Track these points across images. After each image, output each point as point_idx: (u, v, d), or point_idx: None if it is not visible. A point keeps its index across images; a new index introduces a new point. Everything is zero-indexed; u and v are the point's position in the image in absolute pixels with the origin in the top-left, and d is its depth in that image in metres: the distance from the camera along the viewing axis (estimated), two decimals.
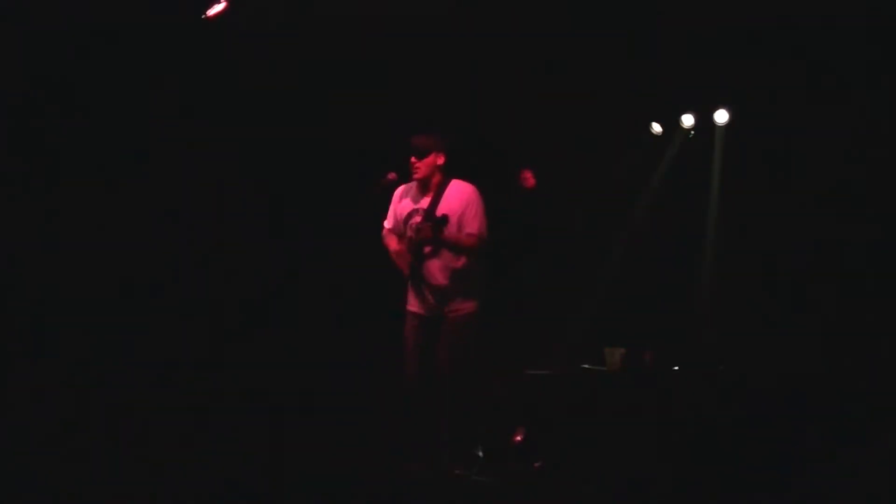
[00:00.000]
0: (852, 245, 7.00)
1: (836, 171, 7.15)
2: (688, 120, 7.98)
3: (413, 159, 6.29)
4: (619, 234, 8.10)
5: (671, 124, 7.90)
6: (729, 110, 7.60)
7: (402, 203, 6.45)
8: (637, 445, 6.46)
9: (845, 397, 6.48)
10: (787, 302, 7.16)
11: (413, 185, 6.41)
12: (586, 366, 7.33)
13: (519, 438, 6.97)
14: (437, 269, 6.28)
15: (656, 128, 8.13)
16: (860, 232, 6.97)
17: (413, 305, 6.40)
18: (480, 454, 6.31)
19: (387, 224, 6.50)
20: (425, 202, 6.34)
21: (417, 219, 6.32)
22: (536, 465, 6.71)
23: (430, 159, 6.32)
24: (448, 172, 6.37)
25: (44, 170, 7.31)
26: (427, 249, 6.28)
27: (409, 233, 6.33)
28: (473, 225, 6.23)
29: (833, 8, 6.75)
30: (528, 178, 7.02)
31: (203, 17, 7.10)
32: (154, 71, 7.46)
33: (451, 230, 6.21)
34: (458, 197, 6.29)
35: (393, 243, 6.41)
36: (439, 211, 6.23)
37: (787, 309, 7.13)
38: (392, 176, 6.39)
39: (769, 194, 7.29)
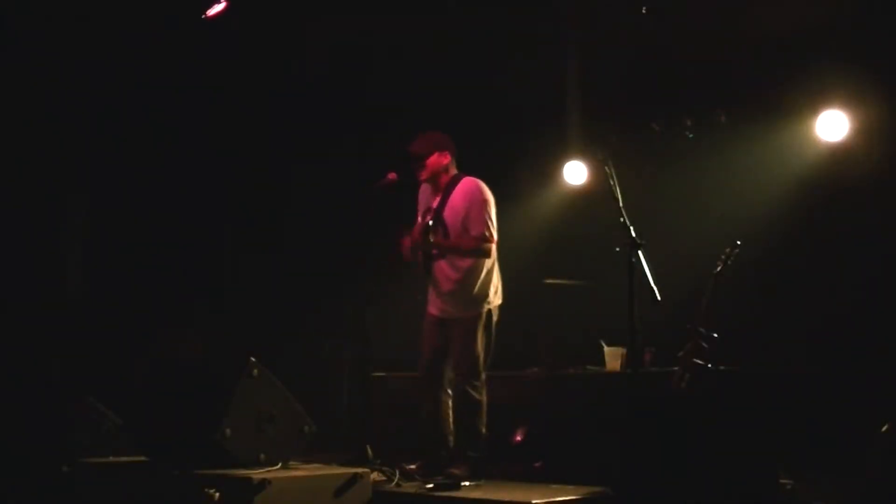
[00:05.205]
0: (851, 242, 7.00)
1: (833, 168, 7.15)
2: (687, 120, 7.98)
3: (413, 165, 6.29)
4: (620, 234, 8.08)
5: (670, 124, 7.88)
6: (728, 110, 7.58)
7: (422, 201, 6.48)
8: (636, 445, 6.44)
9: (845, 396, 6.47)
10: (786, 300, 7.15)
11: (428, 184, 6.42)
12: (586, 366, 7.32)
13: (519, 438, 6.96)
14: (444, 270, 6.29)
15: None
16: (860, 229, 6.97)
17: (429, 305, 6.42)
18: (474, 454, 6.29)
19: (419, 218, 6.51)
20: (436, 202, 6.36)
21: (428, 218, 6.34)
22: (536, 465, 6.70)
23: (432, 160, 6.30)
24: (459, 169, 6.36)
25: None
26: (435, 251, 6.29)
27: (415, 235, 6.37)
28: (477, 227, 6.21)
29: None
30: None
31: (203, 17, 7.10)
32: (153, 70, 7.47)
33: (454, 232, 6.22)
34: (463, 197, 6.27)
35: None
36: (446, 211, 6.25)
37: (788, 307, 7.12)
38: (391, 175, 6.38)
39: (769, 193, 7.29)
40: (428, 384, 6.37)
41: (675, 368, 6.22)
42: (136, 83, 7.57)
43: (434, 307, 6.39)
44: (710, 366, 6.10)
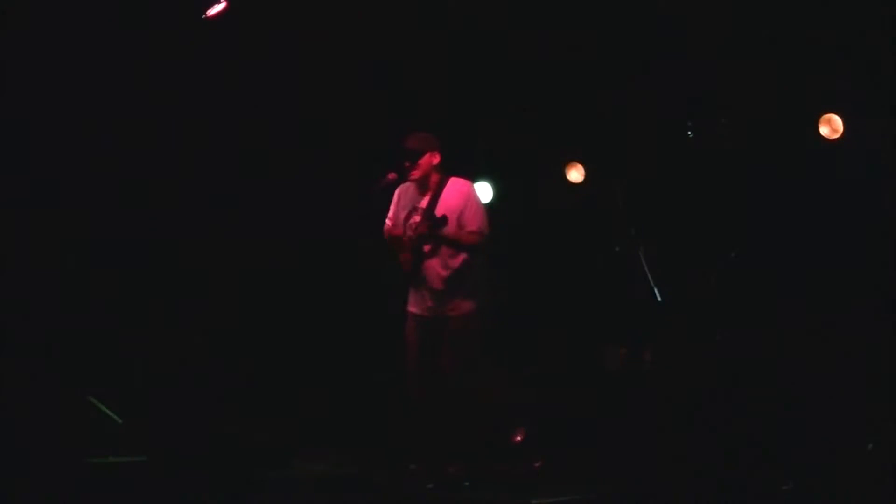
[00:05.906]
0: (851, 242, 7.02)
1: (833, 168, 7.17)
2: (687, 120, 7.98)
3: (407, 163, 6.28)
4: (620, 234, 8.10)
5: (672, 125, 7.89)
6: (728, 111, 7.60)
7: (402, 202, 6.45)
8: (637, 445, 6.46)
9: (844, 393, 6.48)
10: (786, 300, 7.16)
11: (412, 184, 6.40)
12: (587, 365, 7.33)
13: (519, 438, 6.96)
14: (436, 268, 6.27)
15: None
16: (860, 228, 6.99)
17: (413, 306, 6.38)
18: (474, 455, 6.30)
19: (388, 221, 6.49)
20: (424, 201, 6.34)
21: (417, 218, 6.31)
22: (536, 465, 6.71)
23: (424, 160, 6.31)
24: (446, 170, 6.37)
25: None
26: (427, 248, 6.27)
27: (409, 232, 6.33)
28: (474, 222, 6.23)
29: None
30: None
31: (203, 17, 7.09)
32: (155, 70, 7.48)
33: (451, 228, 6.21)
34: (457, 195, 6.28)
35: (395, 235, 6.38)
36: (438, 210, 6.24)
37: (787, 307, 7.13)
38: (392, 175, 6.38)
39: (768, 193, 7.31)
40: (420, 385, 6.36)
41: (675, 369, 6.24)
42: (135, 83, 7.57)
43: (421, 307, 6.35)
44: (711, 365, 6.12)
